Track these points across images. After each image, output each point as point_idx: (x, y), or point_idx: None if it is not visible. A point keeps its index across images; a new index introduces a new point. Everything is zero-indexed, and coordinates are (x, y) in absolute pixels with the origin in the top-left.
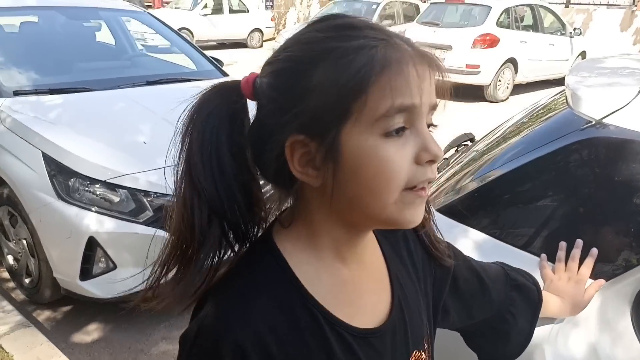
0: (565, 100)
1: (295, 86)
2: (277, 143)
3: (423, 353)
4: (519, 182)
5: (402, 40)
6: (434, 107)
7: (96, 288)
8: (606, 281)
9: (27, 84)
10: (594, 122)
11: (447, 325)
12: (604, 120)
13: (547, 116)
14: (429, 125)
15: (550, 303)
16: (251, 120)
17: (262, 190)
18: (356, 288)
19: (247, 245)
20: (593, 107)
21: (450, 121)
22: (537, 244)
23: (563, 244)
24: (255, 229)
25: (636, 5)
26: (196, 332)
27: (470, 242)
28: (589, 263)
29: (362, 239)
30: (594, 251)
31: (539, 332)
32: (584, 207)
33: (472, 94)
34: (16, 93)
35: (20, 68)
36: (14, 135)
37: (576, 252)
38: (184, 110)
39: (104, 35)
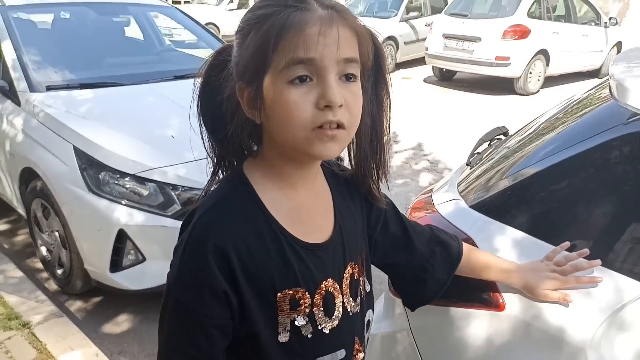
0: (609, 92)
1: (240, 46)
2: (232, 88)
3: (357, 266)
4: (558, 179)
5: (319, 3)
6: (346, 60)
7: (126, 280)
8: None
9: (59, 79)
10: None
11: (377, 259)
12: None
13: (585, 110)
14: (347, 75)
15: (501, 268)
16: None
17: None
18: (308, 212)
19: (224, 172)
20: None
21: (479, 114)
22: (576, 244)
23: (566, 244)
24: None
25: None
26: (186, 240)
27: (507, 240)
28: (579, 279)
29: (307, 172)
30: (594, 280)
31: (582, 335)
32: (626, 205)
33: (502, 86)
34: (49, 88)
35: (52, 63)
36: (46, 129)
37: (574, 257)
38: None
39: (133, 31)
